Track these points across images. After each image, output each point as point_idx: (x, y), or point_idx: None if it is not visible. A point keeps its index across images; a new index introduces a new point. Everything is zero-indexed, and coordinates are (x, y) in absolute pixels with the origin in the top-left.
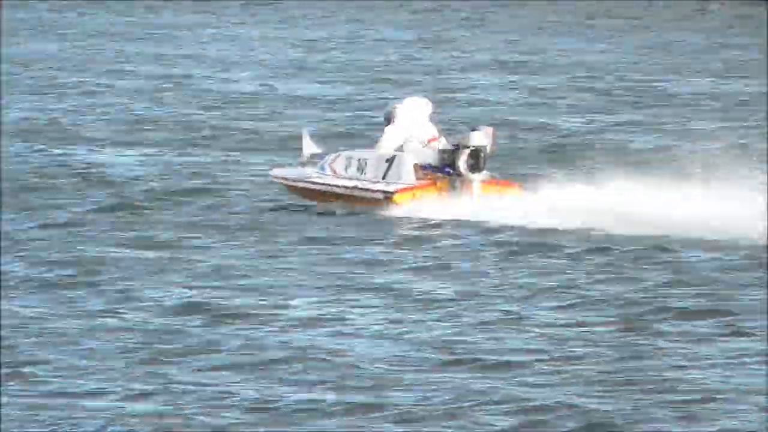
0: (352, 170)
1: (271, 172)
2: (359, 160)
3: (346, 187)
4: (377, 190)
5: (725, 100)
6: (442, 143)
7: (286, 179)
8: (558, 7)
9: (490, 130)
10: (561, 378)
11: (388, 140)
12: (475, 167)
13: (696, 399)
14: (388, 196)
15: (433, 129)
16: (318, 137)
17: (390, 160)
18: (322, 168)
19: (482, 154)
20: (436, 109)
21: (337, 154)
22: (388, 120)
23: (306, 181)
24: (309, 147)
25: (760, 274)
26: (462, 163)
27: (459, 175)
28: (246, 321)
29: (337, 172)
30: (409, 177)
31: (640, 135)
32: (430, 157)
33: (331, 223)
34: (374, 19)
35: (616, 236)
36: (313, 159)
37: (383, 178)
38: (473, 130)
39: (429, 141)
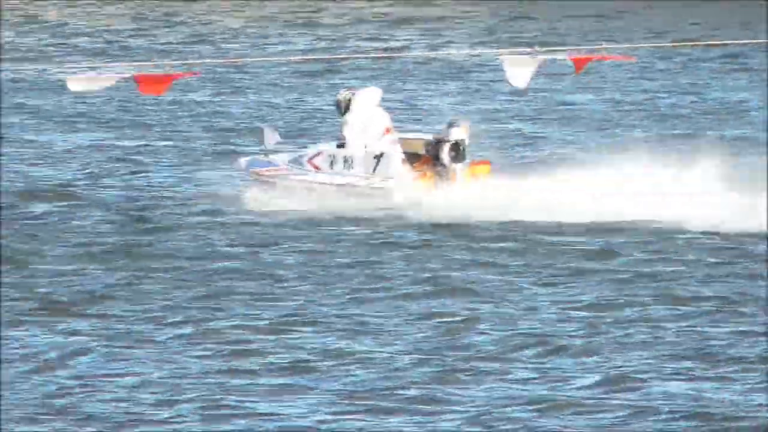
0: (339, 167)
1: (240, 165)
2: (345, 157)
3: (340, 184)
4: (375, 186)
5: None
6: (395, 135)
7: (263, 175)
8: None
9: (467, 124)
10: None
11: (352, 130)
12: (456, 158)
13: None
14: (386, 189)
15: (386, 118)
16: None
17: (378, 157)
18: (300, 163)
19: (461, 147)
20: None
21: (317, 150)
22: (340, 107)
23: (293, 179)
24: (271, 138)
25: None
26: (445, 155)
27: (443, 165)
28: None
29: (322, 168)
30: (399, 171)
31: None
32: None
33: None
34: None
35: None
36: (276, 149)
37: (373, 172)
38: (451, 125)
39: (385, 132)
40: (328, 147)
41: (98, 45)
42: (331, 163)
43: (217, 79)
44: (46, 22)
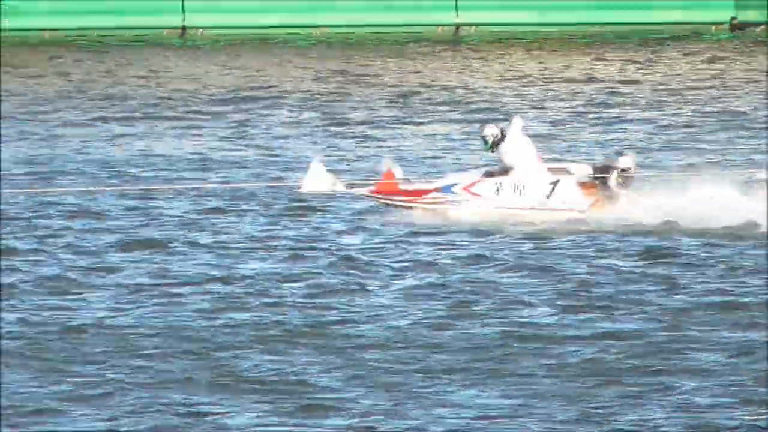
0: (507, 193)
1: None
2: (514, 184)
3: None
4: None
5: None
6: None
7: (424, 205)
8: None
9: (633, 155)
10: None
11: (514, 158)
12: (623, 185)
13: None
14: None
15: (533, 146)
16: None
17: (554, 183)
18: (450, 192)
19: (630, 174)
20: None
21: (476, 179)
22: (488, 142)
23: (469, 204)
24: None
25: None
26: (613, 181)
27: (609, 191)
28: None
29: (484, 195)
30: (577, 197)
31: None
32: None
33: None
34: None
35: None
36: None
37: (548, 198)
38: (620, 155)
39: (538, 159)
40: (491, 177)
41: None
42: (497, 191)
43: None
44: None
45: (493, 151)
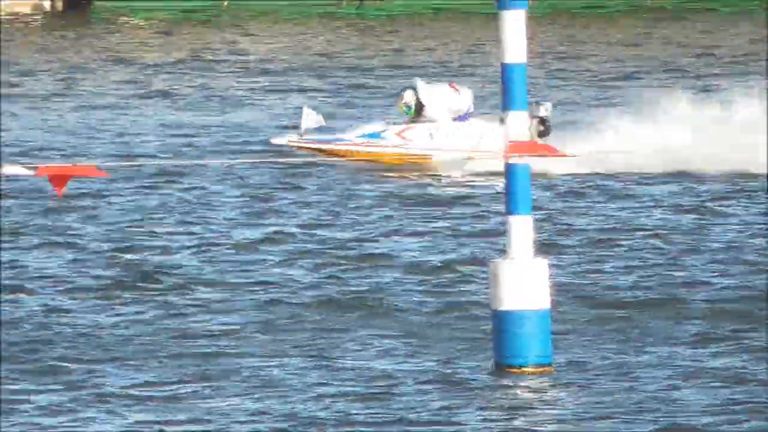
0: (440, 137)
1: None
2: (447, 129)
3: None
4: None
5: None
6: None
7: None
8: None
9: (549, 105)
10: None
11: (438, 111)
12: (543, 133)
13: None
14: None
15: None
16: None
17: (481, 129)
18: (382, 138)
19: (548, 123)
20: None
21: (407, 126)
22: (411, 107)
23: (405, 148)
24: (310, 122)
25: None
26: (532, 129)
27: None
28: None
29: (417, 140)
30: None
31: None
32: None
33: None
34: None
35: None
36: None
37: (479, 142)
38: (538, 104)
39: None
40: (422, 124)
41: None
42: (431, 135)
43: None
44: None
45: (418, 115)
